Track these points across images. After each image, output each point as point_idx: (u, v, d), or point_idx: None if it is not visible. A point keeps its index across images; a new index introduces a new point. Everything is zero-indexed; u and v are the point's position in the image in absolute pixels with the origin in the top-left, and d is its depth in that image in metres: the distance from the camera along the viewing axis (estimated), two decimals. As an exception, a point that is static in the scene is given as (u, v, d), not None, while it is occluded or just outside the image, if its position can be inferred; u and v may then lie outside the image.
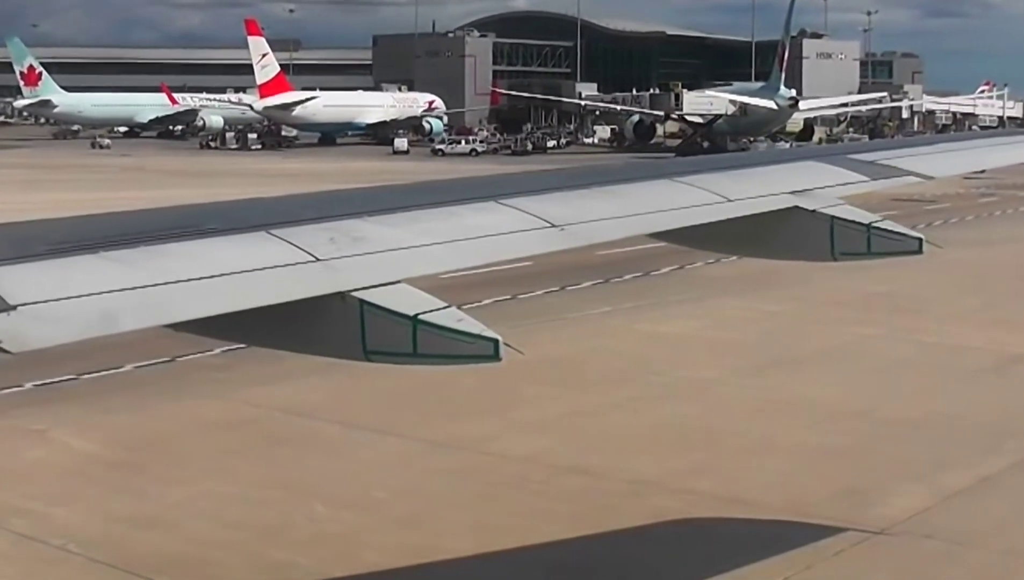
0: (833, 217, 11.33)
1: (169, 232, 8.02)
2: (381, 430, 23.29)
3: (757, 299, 37.20)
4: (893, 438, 23.06)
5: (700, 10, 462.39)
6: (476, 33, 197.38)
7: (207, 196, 20.46)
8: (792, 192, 11.68)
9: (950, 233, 53.42)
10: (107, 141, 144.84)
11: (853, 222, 11.30)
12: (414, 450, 22.09)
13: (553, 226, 9.59)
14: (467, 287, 28.43)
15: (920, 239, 11.30)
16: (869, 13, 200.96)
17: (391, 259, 8.41)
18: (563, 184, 11.08)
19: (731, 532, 18.06)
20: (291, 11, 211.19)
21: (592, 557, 17.20)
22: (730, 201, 11.18)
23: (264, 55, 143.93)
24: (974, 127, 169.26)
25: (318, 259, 8.06)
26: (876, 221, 11.32)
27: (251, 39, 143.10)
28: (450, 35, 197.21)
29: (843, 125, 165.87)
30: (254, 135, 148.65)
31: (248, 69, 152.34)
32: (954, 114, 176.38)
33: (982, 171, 15.74)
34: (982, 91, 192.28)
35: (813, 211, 11.39)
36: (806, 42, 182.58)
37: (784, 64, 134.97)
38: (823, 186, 12.06)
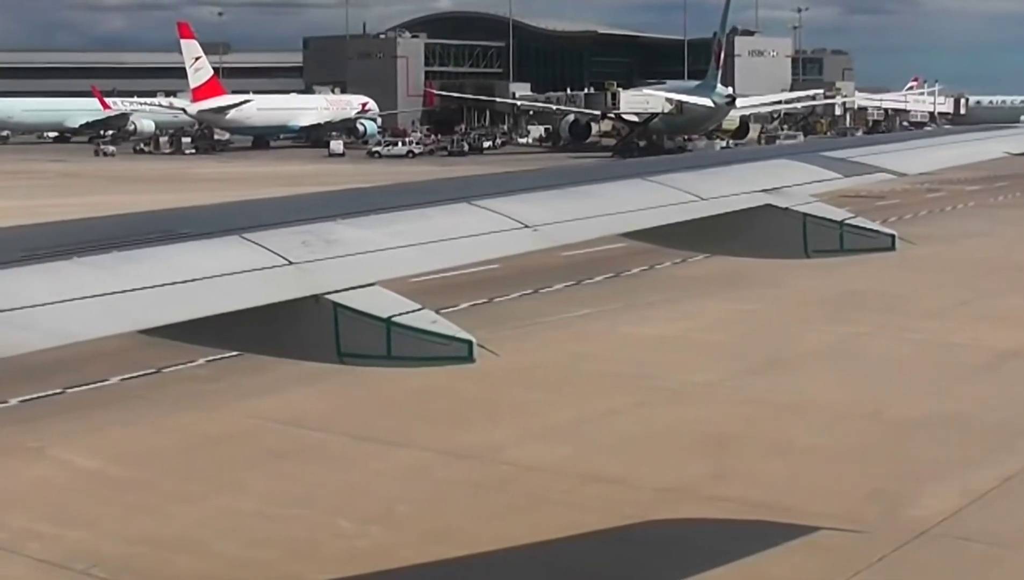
0: (805, 214, 11.39)
1: (143, 237, 7.99)
2: (388, 441, 22.77)
3: (734, 299, 36.99)
4: (906, 439, 22.88)
5: (628, 9, 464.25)
6: (407, 34, 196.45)
7: (155, 202, 20.03)
8: (765, 190, 11.73)
9: (907, 229, 53.30)
10: (112, 149, 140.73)
11: (825, 219, 11.35)
12: (427, 461, 21.59)
13: (526, 227, 9.61)
14: (438, 291, 27.86)
15: (893, 236, 11.31)
16: (800, 10, 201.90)
17: (364, 261, 8.41)
18: (535, 185, 11.07)
19: (770, 538, 17.69)
20: (220, 14, 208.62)
21: (630, 567, 16.80)
22: (703, 200, 11.20)
23: (197, 58, 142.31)
24: (904, 123, 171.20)
25: (291, 262, 8.03)
26: (848, 218, 11.35)
27: (184, 42, 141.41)
28: (382, 36, 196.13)
29: (776, 122, 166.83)
30: (188, 139, 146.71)
31: (177, 72, 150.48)
32: (886, 111, 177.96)
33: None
34: (910, 87, 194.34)
35: (786, 209, 11.44)
36: (738, 39, 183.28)
37: (720, 62, 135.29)
38: (796, 184, 12.12)
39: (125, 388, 26.48)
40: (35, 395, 25.25)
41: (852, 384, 26.98)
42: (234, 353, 24.70)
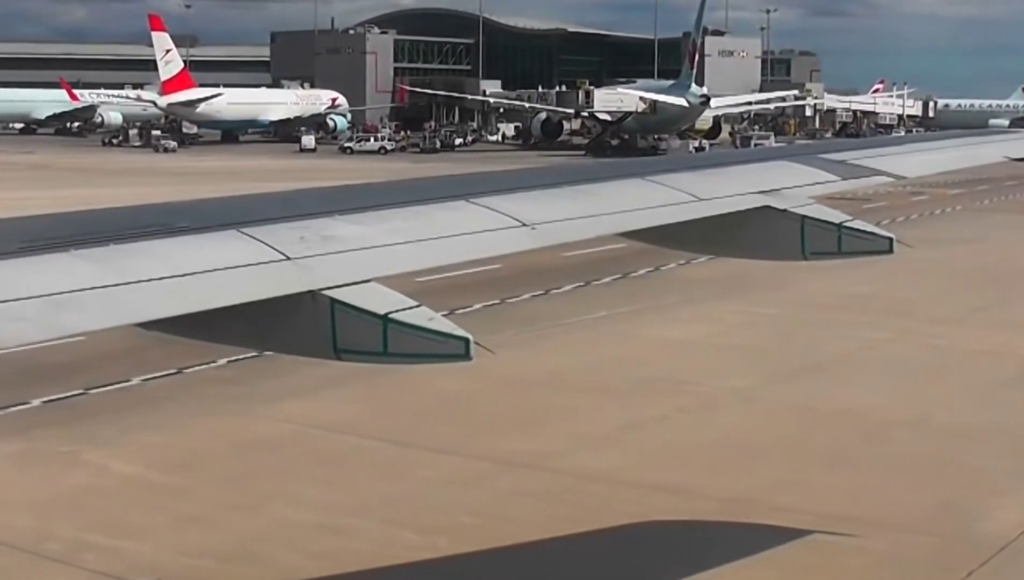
0: (804, 216, 11.39)
1: (140, 230, 7.97)
2: (432, 447, 22.16)
3: (747, 302, 36.57)
4: (959, 448, 22.50)
5: (595, 7, 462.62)
6: (376, 30, 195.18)
7: (136, 196, 19.49)
8: (763, 192, 11.73)
9: (901, 233, 53.10)
10: (173, 144, 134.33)
11: (824, 221, 11.35)
12: (480, 469, 20.98)
13: (524, 225, 9.57)
14: (445, 291, 27.52)
15: (891, 238, 11.31)
16: (768, 11, 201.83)
17: (362, 258, 8.40)
18: (534, 183, 11.05)
19: (851, 551, 17.21)
20: (187, 6, 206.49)
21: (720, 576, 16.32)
22: (701, 200, 11.19)
23: (168, 51, 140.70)
24: (872, 125, 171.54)
25: (289, 258, 8.02)
26: (847, 220, 11.35)
27: (155, 35, 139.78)
28: (351, 32, 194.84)
29: (745, 123, 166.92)
30: (158, 132, 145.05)
31: (143, 64, 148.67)
32: (855, 112, 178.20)
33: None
34: (876, 89, 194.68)
35: (784, 210, 11.43)
36: (708, 40, 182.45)
37: (695, 61, 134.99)
38: (794, 186, 12.12)
39: (148, 389, 25.75)
40: (56, 396, 24.52)
41: (888, 391, 26.59)
42: (254, 353, 24.34)
